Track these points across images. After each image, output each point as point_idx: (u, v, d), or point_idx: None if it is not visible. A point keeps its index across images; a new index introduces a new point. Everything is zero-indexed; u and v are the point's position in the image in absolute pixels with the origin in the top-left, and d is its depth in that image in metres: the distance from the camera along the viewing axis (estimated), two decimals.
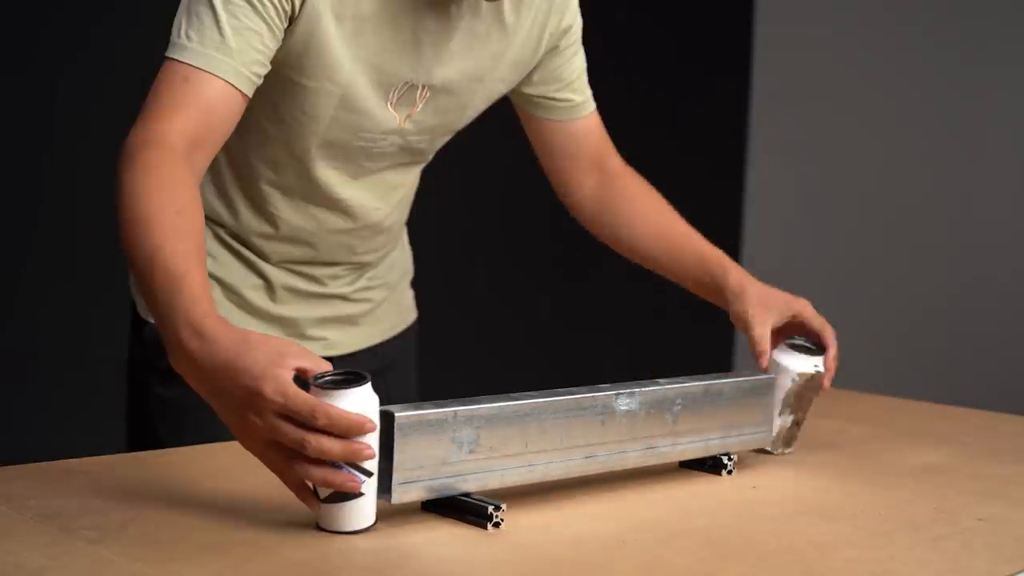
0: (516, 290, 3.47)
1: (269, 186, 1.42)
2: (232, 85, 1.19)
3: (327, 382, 0.96)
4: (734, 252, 4.05)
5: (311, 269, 1.50)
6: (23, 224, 2.50)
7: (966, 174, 3.53)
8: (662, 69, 3.81)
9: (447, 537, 1.01)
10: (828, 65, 3.81)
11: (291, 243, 1.47)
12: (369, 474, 0.98)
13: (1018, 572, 0.99)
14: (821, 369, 1.34)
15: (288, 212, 1.44)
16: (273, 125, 1.36)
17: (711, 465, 1.27)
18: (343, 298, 1.54)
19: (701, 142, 3.95)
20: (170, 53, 1.20)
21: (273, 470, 0.99)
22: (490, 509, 1.03)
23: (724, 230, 4.09)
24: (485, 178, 3.31)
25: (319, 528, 1.00)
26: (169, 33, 1.21)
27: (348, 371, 0.99)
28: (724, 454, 1.26)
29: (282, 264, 1.48)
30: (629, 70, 3.69)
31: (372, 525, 1.00)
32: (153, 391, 1.46)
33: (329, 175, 1.42)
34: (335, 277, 1.53)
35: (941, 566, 0.99)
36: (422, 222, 2.81)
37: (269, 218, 1.45)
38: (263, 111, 1.34)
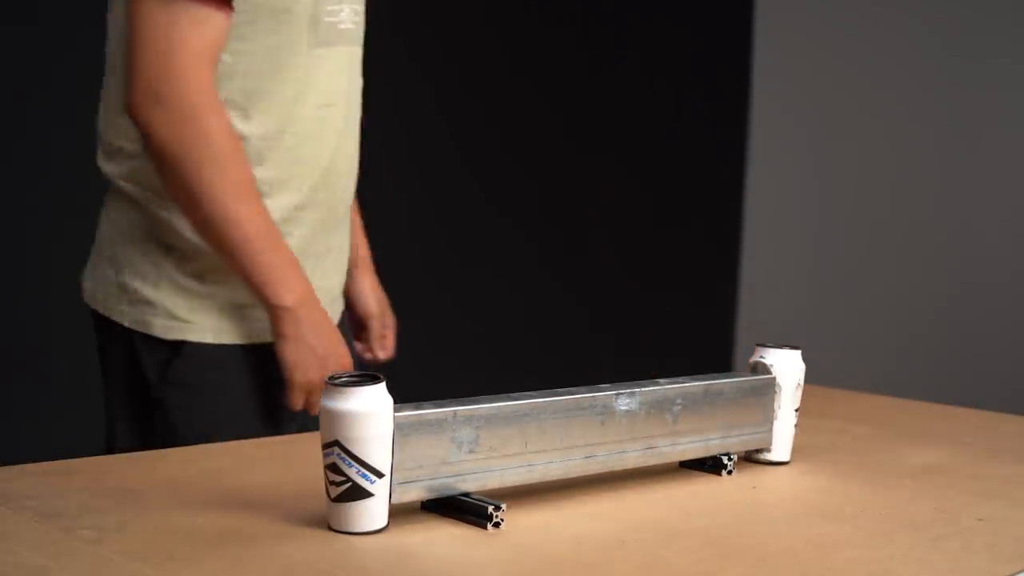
0: (516, 290, 3.47)
1: (289, 134, 1.45)
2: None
3: (343, 382, 0.97)
4: (734, 251, 4.06)
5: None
6: (23, 224, 2.50)
7: (967, 174, 3.53)
8: (662, 69, 3.81)
9: (447, 537, 1.01)
10: (828, 65, 3.81)
11: (315, 205, 1.50)
12: (380, 475, 0.98)
13: (1018, 572, 0.99)
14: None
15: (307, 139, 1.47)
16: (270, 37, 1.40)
17: (711, 465, 1.26)
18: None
19: (701, 143, 3.95)
20: None
21: (308, 389, 1.42)
22: (490, 509, 1.03)
23: (724, 230, 4.09)
24: (485, 179, 3.31)
25: (330, 529, 1.00)
26: None
27: (363, 372, 1.00)
28: (724, 454, 1.26)
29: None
30: (629, 70, 3.70)
31: (384, 527, 1.00)
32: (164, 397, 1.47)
33: (320, 62, 1.46)
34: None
35: (941, 566, 0.99)
36: (423, 223, 2.83)
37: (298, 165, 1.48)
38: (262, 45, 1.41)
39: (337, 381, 0.98)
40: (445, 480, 1.04)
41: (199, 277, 1.44)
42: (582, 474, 1.15)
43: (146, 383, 1.46)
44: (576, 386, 1.14)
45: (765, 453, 1.32)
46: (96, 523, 1.00)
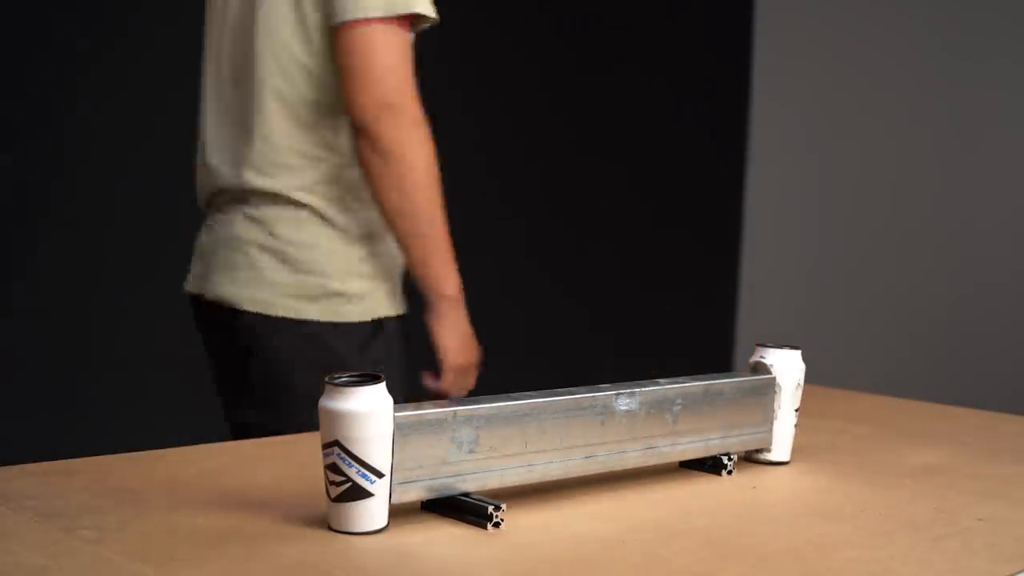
0: (516, 290, 3.47)
1: None
2: None
3: (343, 382, 0.97)
4: (734, 251, 4.06)
5: None
6: (27, 224, 2.50)
7: (967, 174, 3.53)
8: (662, 69, 3.81)
9: (447, 537, 1.01)
10: (828, 65, 3.81)
11: None
12: (380, 475, 0.98)
13: (1018, 572, 0.99)
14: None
15: None
16: None
17: (711, 465, 1.27)
18: None
19: (701, 143, 3.95)
20: None
21: (459, 371, 1.70)
22: (490, 509, 1.03)
23: (725, 230, 4.09)
24: (484, 180, 3.31)
25: (330, 529, 1.00)
26: None
27: (363, 372, 1.00)
28: (724, 454, 1.26)
29: None
30: (629, 71, 3.70)
31: (384, 527, 1.01)
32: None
33: None
34: None
35: (941, 566, 0.99)
36: None
37: None
38: None
39: (337, 381, 0.98)
40: (445, 480, 1.04)
41: (370, 262, 1.67)
42: (582, 474, 1.15)
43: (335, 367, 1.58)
44: (576, 386, 1.14)
45: (765, 453, 1.32)
46: (96, 523, 1.00)
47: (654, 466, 1.22)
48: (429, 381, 1.72)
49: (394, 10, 1.53)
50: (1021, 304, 3.36)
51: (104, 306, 2.60)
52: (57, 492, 1.09)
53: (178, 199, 2.72)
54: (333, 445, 0.97)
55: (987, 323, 3.44)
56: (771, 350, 1.32)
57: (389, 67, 1.54)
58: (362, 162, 1.60)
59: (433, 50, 3.13)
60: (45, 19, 2.48)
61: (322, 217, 1.64)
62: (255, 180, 1.63)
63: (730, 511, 1.15)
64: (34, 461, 1.18)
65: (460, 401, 1.05)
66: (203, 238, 1.74)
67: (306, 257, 1.63)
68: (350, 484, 0.98)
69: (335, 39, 1.56)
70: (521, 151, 3.43)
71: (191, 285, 1.74)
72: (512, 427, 1.08)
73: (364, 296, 1.66)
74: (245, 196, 1.65)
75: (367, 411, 0.97)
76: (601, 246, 3.70)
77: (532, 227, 3.52)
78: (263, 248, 1.64)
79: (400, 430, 0.99)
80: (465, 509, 1.04)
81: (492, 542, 1.00)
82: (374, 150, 1.57)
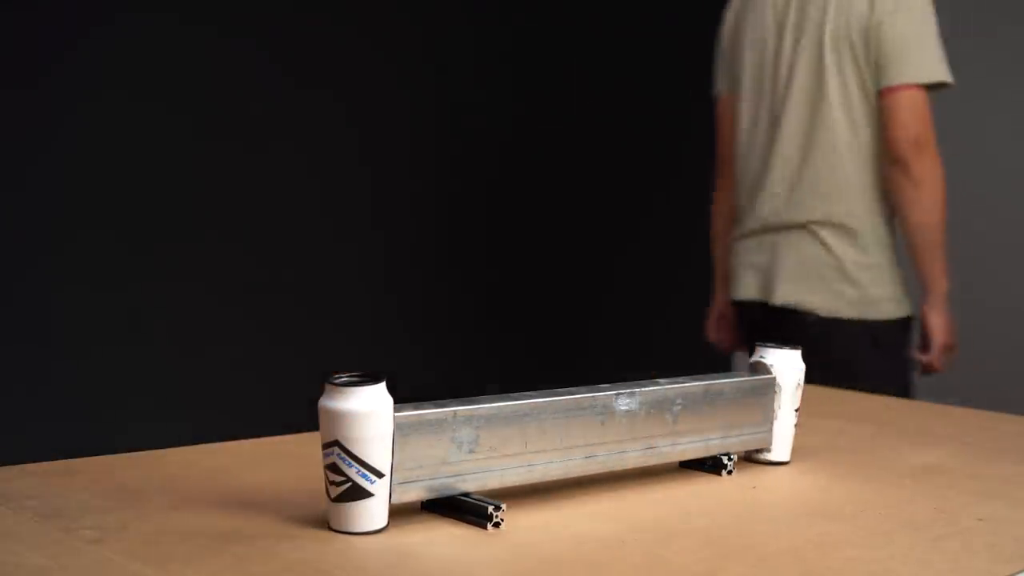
0: (516, 290, 3.47)
1: None
2: None
3: (343, 382, 0.97)
4: None
5: None
6: (27, 224, 2.50)
7: (967, 174, 3.53)
8: (662, 68, 3.81)
9: (447, 537, 1.01)
10: None
11: None
12: (380, 475, 0.98)
13: (1018, 572, 0.99)
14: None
15: None
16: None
17: (711, 465, 1.27)
18: None
19: (703, 143, 3.95)
20: None
21: (947, 350, 2.21)
22: (490, 509, 1.03)
23: None
24: (486, 178, 3.31)
25: (330, 529, 1.00)
26: None
27: (364, 371, 1.00)
28: (724, 454, 1.26)
29: None
30: (630, 70, 3.70)
31: (384, 527, 1.01)
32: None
33: None
34: None
35: (941, 566, 0.99)
36: (424, 222, 2.79)
37: None
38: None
39: (337, 381, 0.98)
40: (445, 480, 1.04)
41: (898, 270, 2.23)
42: (582, 474, 1.15)
43: (865, 358, 2.15)
44: (576, 386, 1.14)
45: (765, 453, 1.32)
46: (96, 523, 1.00)
47: (654, 466, 1.22)
48: (921, 356, 2.21)
49: (930, 79, 2.13)
50: (1021, 304, 3.36)
51: (105, 306, 2.60)
52: (57, 492, 1.09)
53: (180, 203, 2.72)
54: (333, 445, 0.97)
55: (987, 323, 3.44)
56: (771, 350, 1.32)
57: (922, 116, 2.12)
58: (895, 187, 2.15)
59: (442, 49, 3.13)
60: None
61: (856, 239, 2.17)
62: (819, 210, 2.18)
63: (730, 511, 1.15)
64: (34, 461, 1.18)
65: (460, 401, 1.05)
66: (764, 256, 2.26)
67: (857, 276, 2.16)
68: (350, 484, 0.98)
69: (884, 95, 2.14)
70: (523, 151, 3.43)
71: (756, 292, 2.27)
72: (512, 427, 1.08)
73: (896, 299, 2.20)
74: (807, 224, 2.19)
75: (367, 411, 0.97)
76: (602, 245, 3.70)
77: (533, 226, 3.52)
78: (827, 267, 2.16)
79: (400, 430, 1.00)
80: (465, 509, 1.05)
81: (492, 542, 1.00)
82: (906, 177, 2.14)
